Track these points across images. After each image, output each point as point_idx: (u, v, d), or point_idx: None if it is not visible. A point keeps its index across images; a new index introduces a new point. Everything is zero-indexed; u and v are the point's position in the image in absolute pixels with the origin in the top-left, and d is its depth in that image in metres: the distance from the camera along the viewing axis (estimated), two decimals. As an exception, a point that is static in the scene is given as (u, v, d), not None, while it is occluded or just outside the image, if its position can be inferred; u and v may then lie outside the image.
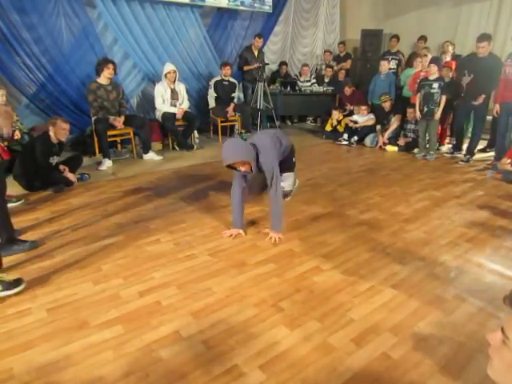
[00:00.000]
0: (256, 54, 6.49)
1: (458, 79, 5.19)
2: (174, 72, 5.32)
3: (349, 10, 8.50)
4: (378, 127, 5.93)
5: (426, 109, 5.13)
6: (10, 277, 2.13)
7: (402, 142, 5.69)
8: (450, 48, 6.02)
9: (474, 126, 5.20)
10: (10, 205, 3.32)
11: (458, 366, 1.65)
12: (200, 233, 2.92)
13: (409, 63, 6.58)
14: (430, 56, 5.62)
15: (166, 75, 5.29)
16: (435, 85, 5.03)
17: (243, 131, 6.23)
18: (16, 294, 2.09)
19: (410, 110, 5.52)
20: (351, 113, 6.45)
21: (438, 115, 5.07)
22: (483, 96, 4.79)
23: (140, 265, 2.44)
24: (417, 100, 5.21)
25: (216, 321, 1.92)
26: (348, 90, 6.73)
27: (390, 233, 2.97)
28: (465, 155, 5.17)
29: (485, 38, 4.66)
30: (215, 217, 3.22)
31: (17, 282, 2.12)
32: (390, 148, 5.73)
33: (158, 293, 2.15)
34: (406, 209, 3.46)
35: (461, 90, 5.11)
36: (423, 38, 6.65)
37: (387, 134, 5.79)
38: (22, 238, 2.71)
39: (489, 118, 5.42)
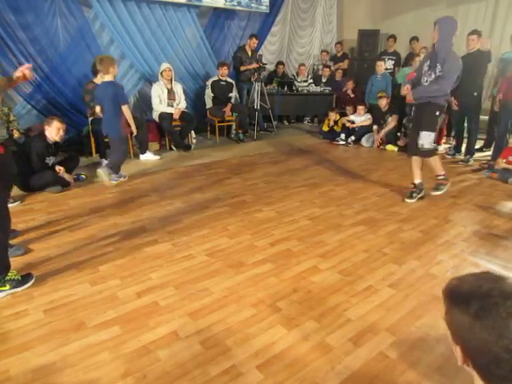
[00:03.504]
0: (250, 53, 6.47)
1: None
2: (170, 70, 5.32)
3: (346, 10, 8.51)
4: (375, 127, 5.95)
5: None
6: (18, 274, 2.16)
7: (402, 142, 5.67)
8: None
9: (469, 126, 5.22)
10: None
11: (456, 366, 1.64)
12: (197, 233, 2.91)
13: (406, 63, 6.60)
14: (422, 56, 5.64)
15: (161, 73, 5.30)
16: None
17: (240, 131, 6.23)
18: (13, 295, 2.09)
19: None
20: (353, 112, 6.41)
21: None
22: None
23: (137, 265, 2.44)
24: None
25: (213, 321, 1.92)
26: (350, 92, 6.78)
27: (386, 232, 2.98)
28: (464, 155, 5.20)
29: (475, 32, 4.82)
30: (213, 217, 3.22)
31: (25, 279, 2.16)
32: (390, 148, 5.73)
33: (156, 293, 2.15)
34: (403, 208, 3.47)
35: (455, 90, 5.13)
36: (415, 39, 6.68)
37: (383, 132, 5.79)
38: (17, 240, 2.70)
39: (485, 117, 5.45)
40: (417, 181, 3.68)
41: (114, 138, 3.98)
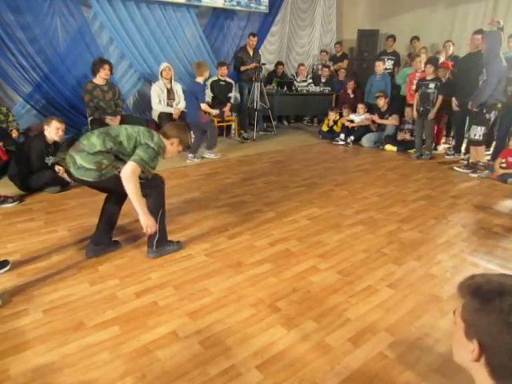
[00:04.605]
0: (251, 53, 6.46)
1: (454, 79, 5.23)
2: (170, 69, 5.33)
3: (345, 10, 8.52)
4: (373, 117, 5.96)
5: (421, 109, 5.15)
6: None
7: (401, 136, 5.67)
8: (451, 48, 6.01)
9: (469, 126, 5.22)
10: (6, 205, 3.30)
11: (455, 366, 1.64)
12: (196, 233, 2.91)
13: (405, 63, 6.60)
14: (423, 56, 5.65)
15: (161, 73, 5.30)
16: (431, 85, 5.05)
17: (242, 131, 6.22)
18: (13, 295, 2.09)
19: (407, 109, 5.54)
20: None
21: (431, 115, 5.09)
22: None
23: (136, 265, 2.44)
24: (414, 99, 5.23)
25: (213, 321, 1.92)
26: (350, 92, 6.78)
27: (386, 232, 2.98)
28: (464, 154, 5.21)
29: (480, 31, 4.85)
30: (212, 217, 3.21)
31: (2, 264, 2.26)
32: (389, 148, 5.73)
33: (155, 293, 2.15)
34: (403, 208, 3.47)
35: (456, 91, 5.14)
36: (416, 38, 6.68)
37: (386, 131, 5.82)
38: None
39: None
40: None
41: (191, 123, 4.86)
